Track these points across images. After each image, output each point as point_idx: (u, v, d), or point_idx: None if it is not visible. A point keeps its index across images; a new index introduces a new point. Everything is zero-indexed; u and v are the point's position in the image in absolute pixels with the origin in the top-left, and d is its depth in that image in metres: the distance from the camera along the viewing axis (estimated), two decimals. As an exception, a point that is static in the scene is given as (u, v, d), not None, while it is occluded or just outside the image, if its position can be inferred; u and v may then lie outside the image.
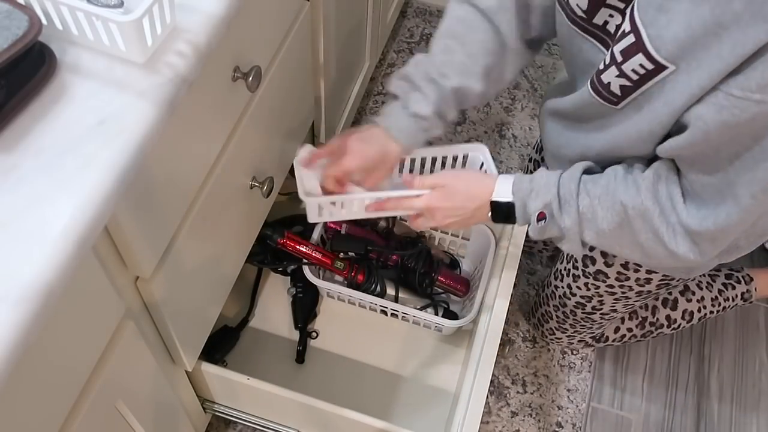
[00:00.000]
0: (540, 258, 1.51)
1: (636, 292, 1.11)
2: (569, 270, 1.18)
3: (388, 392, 1.23)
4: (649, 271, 1.05)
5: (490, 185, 0.92)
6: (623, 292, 1.12)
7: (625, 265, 1.07)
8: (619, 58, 0.76)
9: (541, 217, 0.89)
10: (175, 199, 0.77)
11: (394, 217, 1.30)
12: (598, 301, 1.17)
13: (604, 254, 1.09)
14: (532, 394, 1.36)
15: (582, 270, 1.14)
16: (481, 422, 0.95)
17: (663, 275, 1.05)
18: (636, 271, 1.06)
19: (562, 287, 1.22)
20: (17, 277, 0.51)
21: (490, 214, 0.93)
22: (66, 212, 0.54)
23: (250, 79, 0.81)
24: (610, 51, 0.78)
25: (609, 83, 0.79)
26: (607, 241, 0.88)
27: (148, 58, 0.64)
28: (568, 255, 1.20)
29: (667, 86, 0.73)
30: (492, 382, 1.26)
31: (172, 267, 0.79)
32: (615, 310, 1.20)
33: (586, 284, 1.16)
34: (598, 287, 1.14)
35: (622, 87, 0.78)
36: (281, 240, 1.22)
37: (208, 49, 0.68)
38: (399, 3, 1.78)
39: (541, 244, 1.48)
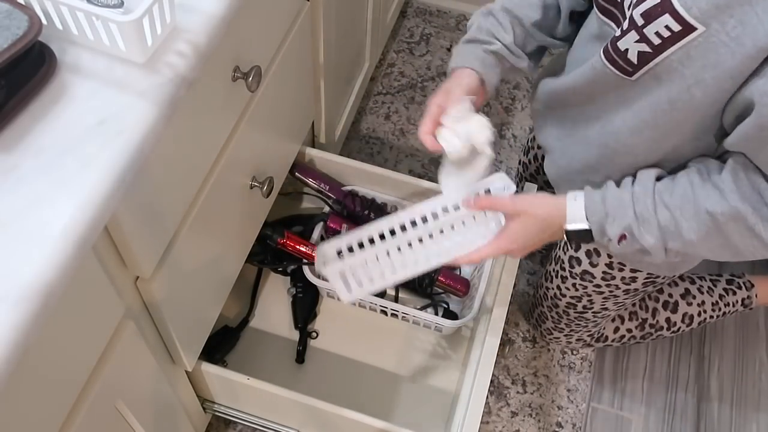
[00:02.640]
0: (540, 258, 1.51)
1: (623, 291, 1.12)
2: (557, 271, 1.19)
3: (388, 392, 1.23)
4: (633, 270, 1.06)
5: (562, 208, 0.87)
6: (611, 291, 1.13)
7: (609, 265, 1.07)
8: (640, 21, 0.72)
9: (621, 239, 0.85)
10: (175, 199, 0.77)
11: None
12: (588, 300, 1.18)
13: (588, 254, 1.09)
14: (532, 394, 1.36)
15: (569, 271, 1.15)
16: (481, 422, 0.95)
17: (648, 273, 1.06)
18: (620, 270, 1.07)
19: (553, 288, 1.23)
20: (17, 277, 0.51)
21: (565, 239, 0.89)
22: (66, 212, 0.54)
23: (250, 79, 0.81)
24: (629, 15, 0.74)
25: (626, 50, 0.76)
26: (696, 249, 0.83)
27: (148, 58, 0.64)
28: (555, 256, 1.20)
29: (698, 50, 0.70)
30: (492, 382, 1.26)
31: (172, 267, 0.79)
32: (606, 309, 1.20)
33: (574, 285, 1.16)
34: (585, 287, 1.15)
35: (640, 54, 0.75)
36: (281, 240, 1.21)
37: (208, 49, 0.68)
38: (399, 3, 1.78)
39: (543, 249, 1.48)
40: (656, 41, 0.72)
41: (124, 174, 0.59)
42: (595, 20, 0.86)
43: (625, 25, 0.75)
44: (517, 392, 1.36)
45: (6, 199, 0.55)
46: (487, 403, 1.33)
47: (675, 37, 0.70)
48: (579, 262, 1.12)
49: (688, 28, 0.69)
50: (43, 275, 0.52)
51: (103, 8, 0.61)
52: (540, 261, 1.50)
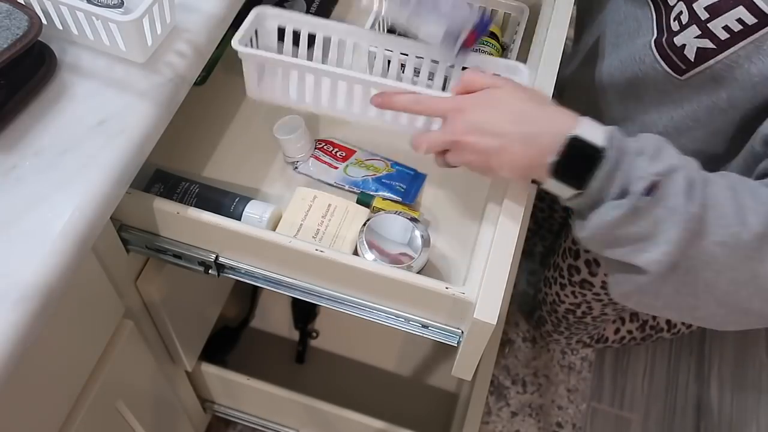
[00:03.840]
0: (540, 258, 1.51)
1: None
2: (556, 278, 1.19)
3: (388, 392, 1.23)
4: None
5: (571, 114, 0.59)
6: (610, 299, 1.12)
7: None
8: (704, 15, 0.67)
9: (652, 188, 0.54)
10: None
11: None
12: (587, 307, 1.18)
13: (587, 264, 1.09)
14: (532, 394, 1.36)
15: (568, 279, 1.15)
16: (481, 422, 0.95)
17: None
18: None
19: (552, 294, 1.22)
20: (17, 276, 0.51)
21: (554, 158, 0.57)
22: (66, 212, 0.54)
23: None
24: (687, 8, 0.69)
25: (684, 46, 0.70)
26: (722, 261, 0.55)
27: (148, 58, 0.64)
28: (554, 263, 1.19)
29: None
30: (492, 382, 1.26)
31: (173, 266, 0.79)
32: (605, 314, 1.20)
33: (573, 293, 1.16)
34: (584, 295, 1.14)
35: (700, 51, 0.69)
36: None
37: (208, 49, 0.68)
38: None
39: (541, 246, 1.48)
40: (723, 36, 0.67)
41: (124, 174, 0.59)
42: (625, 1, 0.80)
43: (685, 18, 0.70)
44: (517, 392, 1.36)
45: (6, 199, 0.55)
46: (487, 403, 1.33)
47: (747, 31, 0.65)
48: (578, 270, 1.11)
49: (764, 21, 0.63)
50: (43, 275, 0.52)
51: (103, 8, 0.61)
52: (540, 261, 1.50)
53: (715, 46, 0.68)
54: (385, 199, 0.76)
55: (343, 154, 0.80)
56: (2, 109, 0.58)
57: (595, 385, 1.40)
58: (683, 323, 1.31)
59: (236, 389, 1.08)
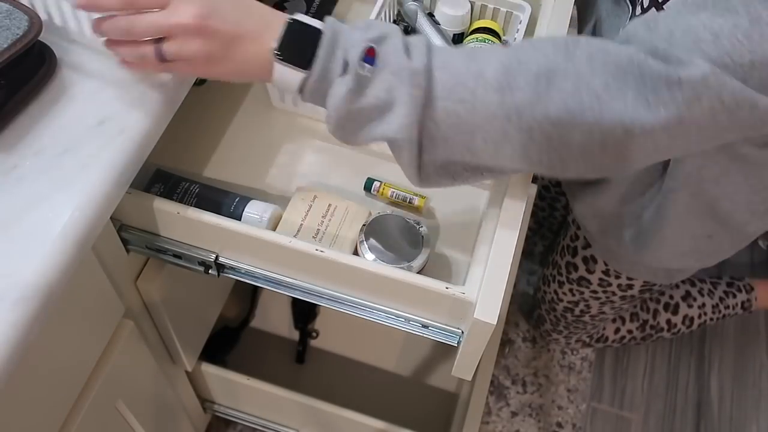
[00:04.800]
0: (539, 258, 1.51)
1: (620, 297, 1.12)
2: (554, 276, 1.19)
3: (388, 392, 1.23)
4: (629, 277, 1.05)
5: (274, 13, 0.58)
6: (607, 297, 1.13)
7: (606, 272, 1.07)
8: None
9: (369, 55, 0.54)
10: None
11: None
12: (585, 305, 1.18)
13: (585, 261, 1.09)
14: (532, 394, 1.36)
15: (566, 276, 1.15)
16: (481, 422, 0.95)
17: (644, 281, 1.06)
18: (617, 277, 1.07)
19: (550, 293, 1.23)
20: (17, 276, 0.51)
21: (277, 43, 0.55)
22: (66, 212, 0.54)
23: None
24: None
25: None
26: (467, 118, 0.53)
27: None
28: (552, 261, 1.20)
29: None
30: (492, 382, 1.26)
31: (173, 267, 0.79)
32: (604, 313, 1.20)
33: (570, 290, 1.16)
34: (582, 293, 1.15)
35: None
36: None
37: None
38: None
39: (541, 245, 1.49)
40: None
41: (124, 174, 0.59)
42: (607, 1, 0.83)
43: (646, 2, 0.71)
44: (517, 392, 1.36)
45: (6, 199, 0.55)
46: (487, 403, 1.33)
47: None
48: (576, 268, 1.12)
49: None
50: (43, 275, 0.52)
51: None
52: (539, 261, 1.50)
53: None
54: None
55: None
56: (2, 109, 0.58)
57: (595, 385, 1.40)
58: (683, 323, 1.31)
59: (236, 389, 1.08)
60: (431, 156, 0.56)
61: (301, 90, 0.57)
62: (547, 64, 0.53)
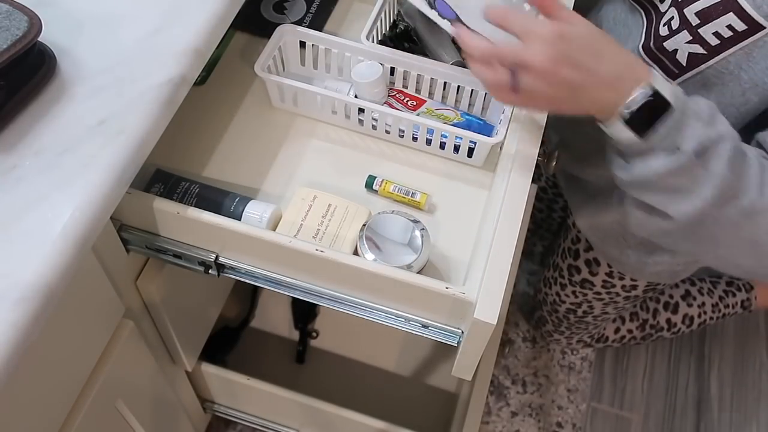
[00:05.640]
0: (539, 258, 1.51)
1: (624, 297, 1.12)
2: (556, 278, 1.19)
3: (388, 392, 1.23)
4: (633, 278, 1.05)
5: (642, 62, 0.61)
6: (611, 298, 1.13)
7: (609, 274, 1.07)
8: (695, 21, 0.67)
9: (701, 150, 0.59)
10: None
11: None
12: (588, 306, 1.18)
13: (588, 264, 1.09)
14: (532, 394, 1.36)
15: (568, 279, 1.15)
16: (481, 422, 0.95)
17: (648, 282, 1.06)
18: (621, 278, 1.06)
19: (552, 295, 1.22)
20: (17, 276, 0.51)
21: (627, 106, 0.58)
22: (66, 212, 0.54)
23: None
24: (678, 14, 0.68)
25: (675, 51, 0.70)
26: (735, 225, 0.63)
27: (149, 58, 0.64)
28: (553, 263, 1.19)
29: (762, 51, 0.64)
30: (492, 382, 1.26)
31: (173, 267, 0.79)
32: (606, 313, 1.20)
33: (573, 292, 1.16)
34: (585, 294, 1.14)
35: (691, 56, 0.69)
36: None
37: (208, 49, 0.68)
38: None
39: (540, 246, 1.49)
40: (714, 42, 0.67)
41: (124, 174, 0.59)
42: (616, 4, 0.81)
43: (675, 23, 0.70)
44: (517, 392, 1.36)
45: (6, 199, 0.55)
46: (487, 403, 1.33)
47: (737, 38, 0.65)
48: (578, 270, 1.11)
49: (754, 28, 0.63)
50: (43, 275, 0.52)
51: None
52: (539, 261, 1.50)
53: (705, 52, 0.69)
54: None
55: (414, 104, 0.81)
56: (2, 109, 0.58)
57: (595, 385, 1.40)
58: (683, 323, 1.31)
59: (236, 389, 1.08)
60: (686, 238, 0.66)
61: (625, 145, 0.62)
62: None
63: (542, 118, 0.71)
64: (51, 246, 0.53)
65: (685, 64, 0.71)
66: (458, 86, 0.81)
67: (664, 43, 0.72)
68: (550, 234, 1.42)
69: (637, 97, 0.58)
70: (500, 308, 0.58)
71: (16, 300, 0.50)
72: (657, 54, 0.73)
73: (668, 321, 1.31)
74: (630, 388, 1.40)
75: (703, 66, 0.70)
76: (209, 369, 1.05)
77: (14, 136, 0.58)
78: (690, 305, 1.31)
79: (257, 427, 1.19)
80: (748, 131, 0.69)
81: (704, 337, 1.47)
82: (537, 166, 0.70)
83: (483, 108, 0.82)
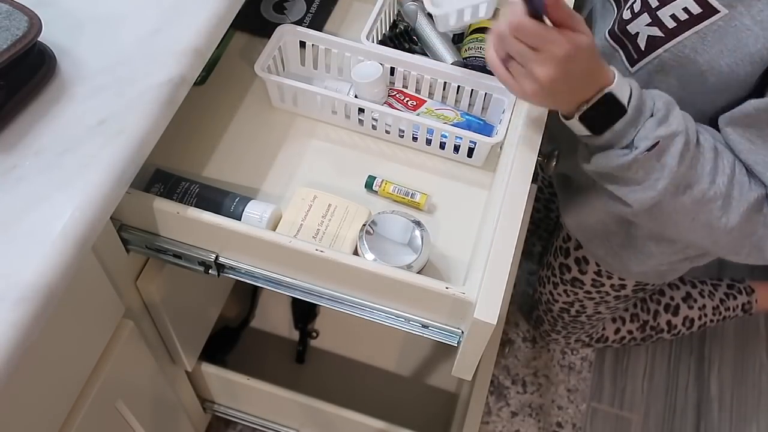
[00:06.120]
0: (538, 258, 1.51)
1: (614, 297, 1.12)
2: (549, 277, 1.19)
3: (388, 392, 1.23)
4: (622, 278, 1.06)
5: (611, 70, 0.65)
6: (601, 297, 1.13)
7: (598, 273, 1.07)
8: (654, 3, 0.70)
9: (654, 146, 0.65)
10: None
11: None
12: (580, 305, 1.18)
13: (578, 262, 1.09)
14: (532, 394, 1.36)
15: (560, 278, 1.15)
16: (481, 422, 0.95)
17: (636, 281, 1.06)
18: (609, 277, 1.07)
19: (546, 294, 1.23)
20: (17, 276, 0.51)
21: (586, 107, 0.65)
22: (66, 212, 0.54)
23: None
24: None
25: (637, 34, 0.72)
26: (689, 211, 0.69)
27: (149, 59, 0.64)
28: (546, 262, 1.20)
29: (716, 35, 0.66)
30: (492, 382, 1.26)
31: (173, 267, 0.79)
32: (600, 313, 1.20)
33: (565, 291, 1.16)
34: (576, 293, 1.15)
35: (650, 39, 0.71)
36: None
37: (208, 49, 0.68)
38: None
39: (539, 246, 1.49)
40: (671, 24, 0.69)
41: (124, 174, 0.59)
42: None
43: (637, 6, 0.72)
44: (517, 392, 1.36)
45: (6, 199, 0.55)
46: (487, 403, 1.33)
47: (692, 21, 0.67)
48: (569, 269, 1.12)
49: (708, 11, 0.66)
50: (43, 275, 0.52)
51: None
52: (538, 261, 1.50)
53: (663, 35, 0.70)
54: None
55: (414, 104, 0.81)
56: (2, 109, 0.58)
57: (595, 385, 1.40)
58: (683, 325, 1.31)
59: (236, 389, 1.08)
60: (643, 216, 0.72)
61: (586, 140, 0.69)
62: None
63: (542, 118, 0.71)
64: (51, 246, 0.53)
65: (643, 48, 0.73)
66: (458, 86, 0.81)
67: (627, 27, 0.74)
68: (547, 234, 1.42)
69: (593, 98, 0.64)
70: (500, 308, 0.58)
71: (16, 300, 0.50)
72: (621, 37, 0.75)
73: (668, 323, 1.31)
74: (630, 388, 1.40)
75: (660, 50, 0.72)
76: (209, 369, 1.05)
77: (14, 136, 0.58)
78: (691, 307, 1.31)
79: (257, 427, 1.19)
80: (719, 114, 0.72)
81: (704, 338, 1.47)
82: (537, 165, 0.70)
83: (483, 108, 0.82)
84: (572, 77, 0.62)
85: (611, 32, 0.77)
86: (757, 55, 0.66)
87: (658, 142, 0.64)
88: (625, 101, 0.64)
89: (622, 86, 0.64)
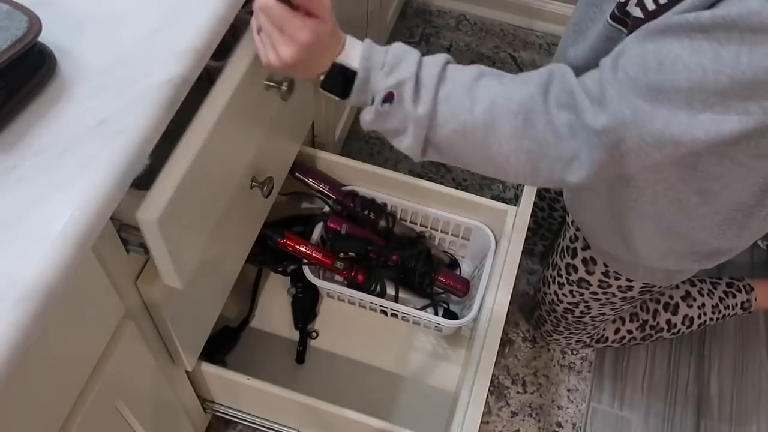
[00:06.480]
0: (539, 258, 1.51)
1: (620, 298, 1.12)
2: (554, 278, 1.19)
3: (388, 392, 1.23)
4: (629, 279, 1.06)
5: (342, 37, 0.72)
6: (607, 298, 1.13)
7: (606, 273, 1.07)
8: None
9: (388, 98, 0.71)
10: (204, 214, 0.76)
11: (395, 218, 1.29)
12: (585, 306, 1.18)
13: (585, 262, 1.09)
14: (532, 394, 1.36)
15: (566, 278, 1.15)
16: (481, 422, 0.95)
17: (644, 283, 1.06)
18: (617, 278, 1.07)
19: (550, 294, 1.23)
20: (17, 276, 0.51)
21: (322, 77, 0.73)
22: (66, 212, 0.54)
23: (284, 88, 0.81)
24: None
25: (631, 14, 0.73)
26: (460, 144, 0.72)
27: (149, 59, 0.64)
28: (552, 262, 1.20)
29: None
30: (492, 382, 1.26)
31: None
32: (604, 314, 1.20)
33: (570, 291, 1.16)
34: (582, 294, 1.15)
35: (634, 20, 0.72)
36: (281, 240, 1.22)
37: (208, 50, 0.68)
38: (399, 2, 1.78)
39: (541, 246, 1.49)
40: (651, 7, 0.69)
41: (124, 174, 0.59)
42: None
43: None
44: (517, 392, 1.36)
45: (6, 199, 0.55)
46: (487, 403, 1.33)
47: (669, 4, 0.66)
48: (576, 269, 1.12)
49: None
50: (43, 275, 0.52)
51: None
52: (540, 261, 1.50)
53: (643, 17, 0.70)
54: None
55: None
56: (2, 109, 0.58)
57: (595, 385, 1.40)
58: (683, 323, 1.31)
59: (236, 389, 1.08)
60: (431, 157, 0.75)
61: (338, 103, 0.76)
62: (525, 105, 0.68)
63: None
64: (51, 246, 0.53)
65: (628, 30, 0.74)
66: None
67: (626, 7, 0.75)
68: (551, 234, 1.42)
69: (326, 70, 0.72)
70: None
71: (16, 300, 0.50)
72: (623, 18, 0.76)
73: (668, 322, 1.31)
74: (630, 388, 1.40)
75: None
76: (209, 369, 1.05)
77: (14, 136, 0.58)
78: (690, 306, 1.31)
79: (257, 427, 1.19)
80: None
81: (704, 337, 1.47)
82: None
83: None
84: (311, 59, 0.69)
85: (612, 15, 0.78)
86: None
87: (390, 92, 0.70)
88: (355, 64, 0.71)
89: (350, 52, 0.71)
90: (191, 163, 0.65)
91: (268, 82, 0.81)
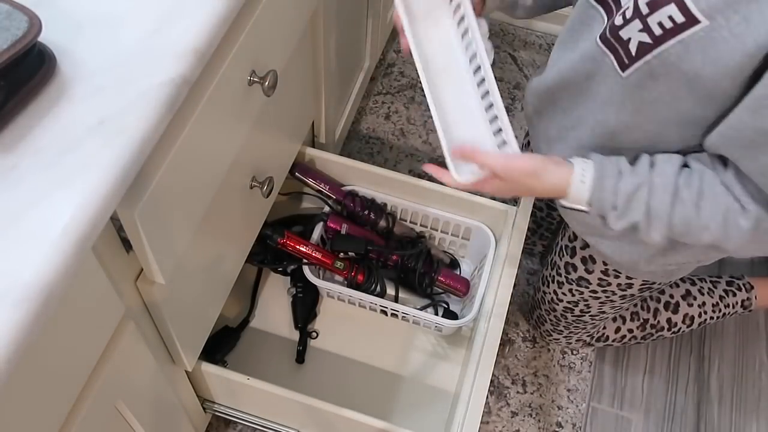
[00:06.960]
0: (539, 258, 1.51)
1: (620, 296, 1.12)
2: (554, 276, 1.19)
3: (388, 392, 1.23)
4: (629, 277, 1.06)
5: (562, 187, 0.82)
6: (607, 297, 1.13)
7: (605, 272, 1.07)
8: (645, 10, 0.71)
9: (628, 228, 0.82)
10: (192, 206, 0.76)
11: (395, 218, 1.30)
12: (585, 305, 1.18)
13: (584, 261, 1.09)
14: (532, 394, 1.36)
15: (565, 277, 1.15)
16: (481, 422, 0.95)
17: (643, 280, 1.06)
18: (616, 276, 1.07)
19: (549, 293, 1.23)
20: (17, 276, 0.51)
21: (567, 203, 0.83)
22: (66, 212, 0.54)
23: (266, 83, 0.81)
24: (633, 4, 0.73)
25: (629, 39, 0.75)
26: (698, 240, 0.80)
27: (148, 59, 0.64)
28: (551, 261, 1.20)
29: (698, 45, 0.69)
30: (492, 382, 1.26)
31: (173, 267, 0.79)
32: (603, 312, 1.20)
33: (570, 290, 1.16)
34: (582, 293, 1.15)
35: (640, 45, 0.74)
36: (281, 240, 1.22)
37: (208, 50, 0.68)
38: (399, 3, 1.77)
39: (540, 245, 1.49)
40: (657, 32, 0.71)
41: (125, 174, 0.59)
42: (581, 5, 0.84)
43: (629, 13, 0.74)
44: (517, 392, 1.36)
45: (6, 199, 0.55)
46: (487, 403, 1.33)
47: (676, 29, 0.69)
48: (575, 268, 1.12)
49: (691, 21, 0.67)
50: (43, 275, 0.52)
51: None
52: (540, 261, 1.50)
53: (651, 41, 0.72)
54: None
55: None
56: (2, 109, 0.58)
57: (595, 385, 1.40)
58: (683, 322, 1.31)
59: (236, 389, 1.08)
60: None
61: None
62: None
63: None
64: (51, 246, 0.53)
65: (634, 54, 0.75)
66: None
67: (619, 32, 0.76)
68: (550, 233, 1.42)
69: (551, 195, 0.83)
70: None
71: (16, 300, 0.50)
72: (613, 42, 0.77)
73: (669, 321, 1.31)
74: (630, 388, 1.40)
75: (649, 56, 0.73)
76: (209, 369, 1.05)
77: (14, 135, 0.58)
78: (690, 305, 1.31)
79: (257, 427, 1.19)
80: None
81: (704, 336, 1.47)
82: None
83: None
84: (512, 190, 0.85)
85: (602, 37, 0.79)
86: (736, 69, 0.68)
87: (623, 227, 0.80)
88: (583, 204, 0.82)
89: (576, 192, 0.81)
90: (171, 156, 0.65)
91: (249, 78, 0.81)
